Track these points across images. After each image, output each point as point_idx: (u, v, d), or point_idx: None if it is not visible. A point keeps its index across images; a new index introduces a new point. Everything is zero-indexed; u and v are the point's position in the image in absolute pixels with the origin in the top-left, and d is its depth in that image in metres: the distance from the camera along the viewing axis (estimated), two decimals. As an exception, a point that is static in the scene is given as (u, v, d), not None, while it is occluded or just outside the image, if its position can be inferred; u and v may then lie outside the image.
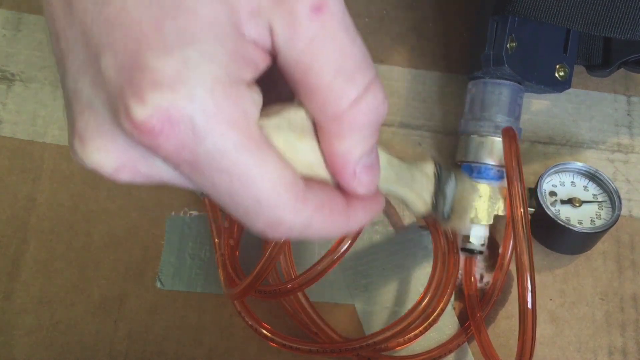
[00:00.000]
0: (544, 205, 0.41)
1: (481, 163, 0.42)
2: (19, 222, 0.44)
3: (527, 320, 0.36)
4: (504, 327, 0.42)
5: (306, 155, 0.23)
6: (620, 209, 0.42)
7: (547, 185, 0.43)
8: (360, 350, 0.39)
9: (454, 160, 0.45)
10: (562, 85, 0.44)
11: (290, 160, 0.22)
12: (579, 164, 0.43)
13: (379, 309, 0.43)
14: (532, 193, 0.42)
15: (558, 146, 0.47)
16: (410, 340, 0.41)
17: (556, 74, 0.44)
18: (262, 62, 0.21)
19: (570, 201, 0.43)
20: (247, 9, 0.20)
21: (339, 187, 0.24)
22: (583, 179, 0.43)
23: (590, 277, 0.44)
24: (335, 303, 0.43)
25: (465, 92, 0.45)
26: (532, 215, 0.41)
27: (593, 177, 0.43)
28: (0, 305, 0.42)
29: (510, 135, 0.39)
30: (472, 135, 0.43)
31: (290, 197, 0.21)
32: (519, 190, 0.37)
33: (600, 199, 0.43)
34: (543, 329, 0.42)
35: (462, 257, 0.43)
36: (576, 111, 0.48)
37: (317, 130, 0.23)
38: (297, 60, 0.21)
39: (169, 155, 0.20)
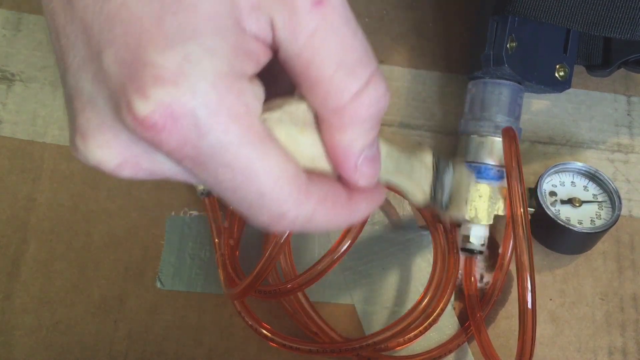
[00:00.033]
0: (544, 205, 0.41)
1: (481, 163, 0.42)
2: (19, 222, 0.44)
3: (527, 320, 0.36)
4: (504, 327, 0.42)
5: (308, 148, 0.23)
6: (620, 209, 0.42)
7: (547, 185, 0.43)
8: (360, 350, 0.39)
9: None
10: (562, 85, 0.44)
11: (292, 153, 0.22)
12: (579, 164, 0.43)
13: (379, 309, 0.43)
14: (532, 193, 0.42)
15: (558, 146, 0.47)
16: (410, 340, 0.41)
17: (556, 74, 0.44)
18: (263, 56, 0.21)
19: (570, 201, 0.43)
20: (247, 3, 0.20)
21: (341, 180, 0.24)
22: (583, 179, 0.43)
23: (590, 277, 0.44)
24: (335, 303, 0.43)
25: (465, 92, 0.45)
26: (532, 215, 0.41)
27: (593, 177, 0.43)
28: (0, 305, 0.42)
29: (510, 135, 0.39)
30: (472, 135, 0.43)
31: (293, 190, 0.22)
32: (519, 190, 0.37)
33: (600, 199, 0.43)
34: (543, 329, 0.42)
35: (462, 257, 0.43)
36: (576, 111, 0.48)
37: (319, 123, 0.23)
38: (298, 54, 0.21)
39: (172, 150, 0.20)
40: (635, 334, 0.42)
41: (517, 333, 0.36)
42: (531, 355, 0.36)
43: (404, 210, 0.45)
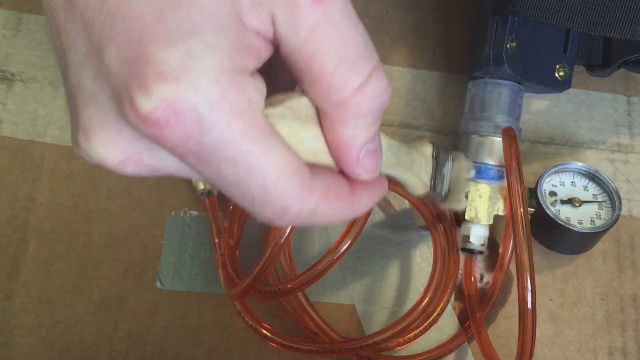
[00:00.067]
0: (544, 205, 0.41)
1: (481, 163, 0.42)
2: (19, 222, 0.44)
3: (527, 320, 0.35)
4: (504, 327, 0.42)
5: (310, 143, 0.23)
6: (620, 209, 0.42)
7: (547, 185, 0.43)
8: (360, 350, 0.39)
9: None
10: (562, 85, 0.44)
11: (294, 148, 0.22)
12: (579, 164, 0.43)
13: (379, 309, 0.43)
14: (532, 193, 0.42)
15: (558, 146, 0.47)
16: (410, 340, 0.41)
17: (556, 74, 0.44)
18: (264, 52, 0.21)
19: (570, 201, 0.43)
20: None
21: (343, 174, 0.24)
22: (583, 179, 0.43)
23: (590, 277, 0.44)
24: (335, 303, 0.43)
25: (465, 92, 0.45)
26: (532, 215, 0.41)
27: (593, 177, 0.43)
28: (0, 305, 0.42)
29: (510, 135, 0.39)
30: (472, 135, 0.43)
31: (296, 184, 0.22)
32: (519, 190, 0.37)
33: (600, 199, 0.43)
34: (543, 329, 0.42)
35: (462, 257, 0.43)
36: (576, 111, 0.48)
37: (321, 117, 0.23)
38: (299, 49, 0.21)
39: (175, 146, 0.20)
40: (635, 334, 0.42)
41: (517, 333, 0.36)
42: (531, 355, 0.36)
43: (404, 209, 0.45)
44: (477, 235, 0.42)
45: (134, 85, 0.19)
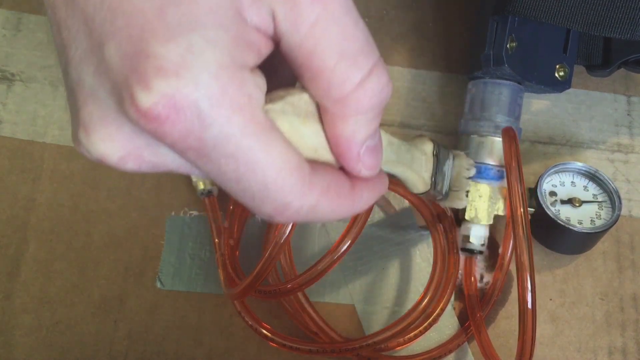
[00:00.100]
0: (544, 205, 0.41)
1: (481, 163, 0.42)
2: (19, 222, 0.44)
3: (527, 320, 0.35)
4: (504, 327, 0.42)
5: (311, 138, 0.23)
6: (620, 209, 0.42)
7: (547, 185, 0.43)
8: (360, 350, 0.39)
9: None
10: (562, 85, 0.44)
11: (295, 144, 0.22)
12: (579, 164, 0.43)
13: (379, 309, 0.43)
14: (532, 193, 0.42)
15: (558, 146, 0.47)
16: (410, 340, 0.41)
17: (556, 74, 0.44)
18: (264, 48, 0.21)
19: (570, 201, 0.43)
20: None
21: (344, 170, 0.24)
22: (583, 179, 0.43)
23: (590, 277, 0.44)
24: (335, 303, 0.43)
25: (465, 92, 0.45)
26: (532, 215, 0.41)
27: (593, 177, 0.43)
28: (0, 305, 0.42)
29: (510, 135, 0.39)
30: (472, 135, 0.43)
31: (297, 181, 0.22)
32: (519, 190, 0.37)
33: (600, 199, 0.43)
34: (543, 329, 0.42)
35: (462, 257, 0.43)
36: (576, 111, 0.48)
37: (321, 113, 0.23)
38: (300, 45, 0.21)
39: (175, 142, 0.20)
40: (635, 334, 0.42)
41: (517, 333, 0.36)
42: (531, 355, 0.36)
43: (404, 209, 0.45)
44: (477, 235, 0.42)
45: (134, 80, 0.19)
